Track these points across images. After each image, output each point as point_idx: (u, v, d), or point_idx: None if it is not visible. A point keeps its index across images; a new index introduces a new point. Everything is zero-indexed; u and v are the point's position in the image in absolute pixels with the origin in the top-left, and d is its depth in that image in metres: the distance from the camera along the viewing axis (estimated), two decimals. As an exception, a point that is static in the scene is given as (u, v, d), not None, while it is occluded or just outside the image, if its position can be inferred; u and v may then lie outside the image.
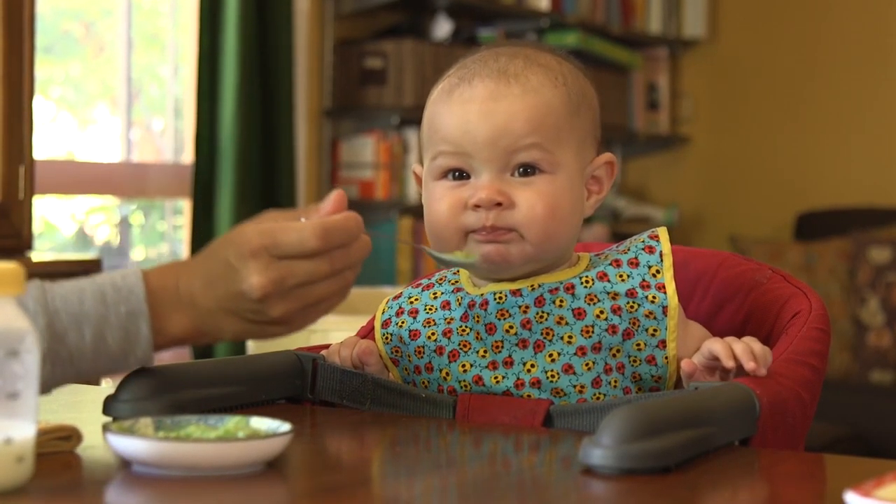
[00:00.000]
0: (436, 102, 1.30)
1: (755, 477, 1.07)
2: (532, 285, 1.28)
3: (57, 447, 1.04)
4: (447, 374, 1.28)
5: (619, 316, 1.25)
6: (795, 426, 1.21)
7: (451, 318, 1.30)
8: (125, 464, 1.00)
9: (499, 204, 1.25)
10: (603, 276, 1.27)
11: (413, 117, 3.99)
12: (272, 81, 3.67)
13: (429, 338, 1.30)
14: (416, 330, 1.31)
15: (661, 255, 1.28)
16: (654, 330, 1.24)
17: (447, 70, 1.33)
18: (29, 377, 0.92)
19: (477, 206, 1.25)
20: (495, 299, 1.28)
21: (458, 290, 1.32)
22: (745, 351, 1.18)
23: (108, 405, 1.17)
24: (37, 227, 3.11)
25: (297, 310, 1.12)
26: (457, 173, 1.28)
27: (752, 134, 5.01)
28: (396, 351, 1.32)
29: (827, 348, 1.30)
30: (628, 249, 1.29)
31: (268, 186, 3.66)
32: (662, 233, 1.30)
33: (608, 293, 1.26)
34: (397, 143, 4.00)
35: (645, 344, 1.24)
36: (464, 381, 1.27)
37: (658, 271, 1.27)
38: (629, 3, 4.85)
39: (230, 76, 3.54)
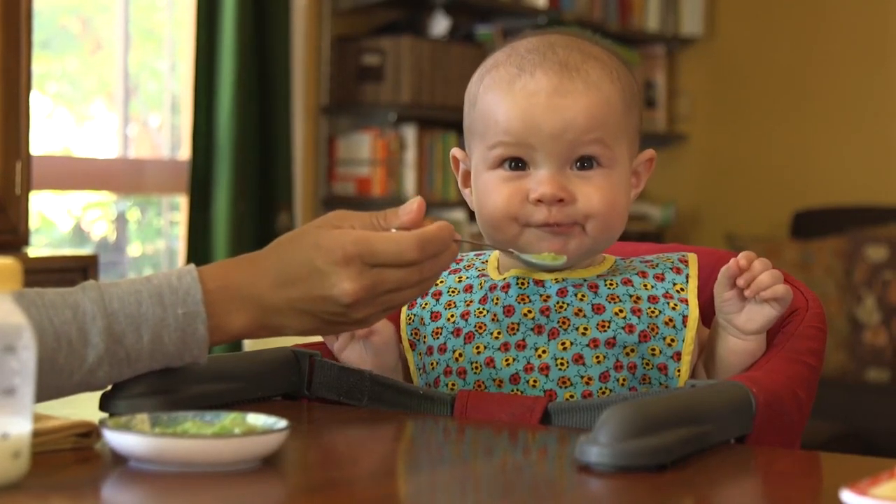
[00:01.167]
0: (492, 91, 1.30)
1: (751, 475, 1.08)
2: (556, 278, 1.29)
3: (77, 443, 1.04)
4: (460, 354, 1.29)
5: (639, 318, 1.26)
6: (792, 424, 1.22)
7: (471, 301, 1.31)
8: (122, 460, 1.00)
9: (560, 200, 1.26)
10: (627, 282, 1.29)
11: (410, 114, 3.99)
12: (269, 78, 3.66)
13: (448, 319, 1.31)
14: (438, 312, 1.33)
15: (687, 277, 1.30)
16: (672, 340, 1.25)
17: (493, 54, 1.33)
18: (25, 373, 0.92)
19: (539, 201, 1.26)
20: (518, 284, 1.30)
21: (483, 275, 1.34)
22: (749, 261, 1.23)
23: (105, 401, 1.17)
24: (33, 222, 3.11)
25: (377, 312, 1.16)
26: (514, 163, 1.28)
27: (750, 132, 5.01)
28: (415, 333, 1.33)
29: (823, 346, 1.30)
30: (656, 265, 1.31)
31: (265, 183, 3.66)
32: (692, 259, 1.33)
33: (630, 296, 1.28)
34: (394, 139, 4.00)
35: (660, 351, 1.25)
36: (476, 362, 1.28)
37: (682, 288, 1.29)
38: (627, 1, 4.85)
39: (227, 72, 3.53)
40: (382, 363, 1.33)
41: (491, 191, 1.29)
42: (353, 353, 1.32)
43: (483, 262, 1.36)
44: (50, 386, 1.10)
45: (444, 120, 4.14)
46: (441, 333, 1.31)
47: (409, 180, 4.02)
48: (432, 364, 1.31)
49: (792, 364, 1.24)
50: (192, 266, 1.16)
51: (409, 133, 4.03)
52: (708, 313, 1.32)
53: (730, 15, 5.08)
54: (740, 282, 1.24)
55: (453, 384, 1.29)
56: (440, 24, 4.13)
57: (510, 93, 1.28)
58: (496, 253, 1.36)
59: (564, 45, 1.30)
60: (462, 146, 1.37)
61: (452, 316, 1.31)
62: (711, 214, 5.07)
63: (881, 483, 0.86)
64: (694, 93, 5.15)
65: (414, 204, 1.17)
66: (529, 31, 1.35)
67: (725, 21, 5.10)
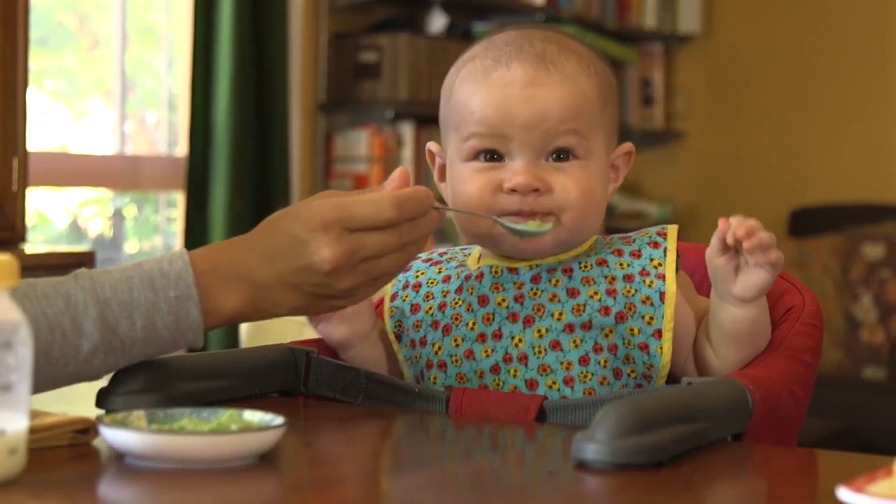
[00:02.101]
0: (468, 82, 1.29)
1: (748, 472, 1.08)
2: (530, 264, 1.28)
3: (75, 440, 1.04)
4: (439, 347, 1.28)
5: (614, 298, 1.25)
6: (788, 421, 1.22)
7: (447, 292, 1.31)
8: (118, 456, 1.00)
9: (535, 189, 1.25)
10: (602, 263, 1.27)
11: (408, 111, 3.99)
12: (266, 75, 3.66)
13: (427, 312, 1.31)
14: (417, 304, 1.32)
15: (664, 250, 1.28)
16: (651, 318, 1.24)
17: (470, 49, 1.33)
18: (22, 369, 0.92)
19: (513, 191, 1.25)
20: (491, 273, 1.29)
21: (462, 265, 1.33)
22: (741, 225, 1.20)
23: (102, 398, 1.17)
24: (30, 219, 3.11)
25: (362, 283, 1.14)
26: (489, 155, 1.27)
27: (747, 130, 5.01)
28: (399, 325, 1.33)
29: (820, 344, 1.30)
30: (633, 241, 1.30)
31: (261, 180, 3.66)
32: (671, 230, 1.31)
33: (605, 276, 1.26)
34: (392, 137, 4.00)
35: (639, 330, 1.24)
36: (455, 355, 1.27)
37: (660, 264, 1.27)
38: (624, -1, 4.85)
39: (224, 69, 3.53)
40: (356, 331, 1.31)
41: (464, 182, 1.28)
42: (327, 325, 1.30)
43: (465, 255, 1.35)
44: (46, 378, 1.10)
45: (441, 117, 4.14)
46: (421, 326, 1.31)
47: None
48: (416, 357, 1.31)
49: (789, 362, 1.24)
50: (183, 250, 1.15)
51: (407, 130, 4.02)
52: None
53: (727, 13, 5.08)
54: (739, 232, 1.20)
55: (435, 377, 1.28)
56: (438, 22, 4.13)
57: (485, 83, 1.27)
58: (478, 248, 1.35)
59: (542, 39, 1.30)
60: (439, 140, 1.36)
61: (430, 308, 1.30)
62: (709, 212, 5.07)
63: (878, 480, 0.86)
64: (691, 91, 5.15)
65: (397, 173, 1.16)
66: (511, 26, 1.35)
67: (723, 19, 5.10)
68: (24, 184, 2.79)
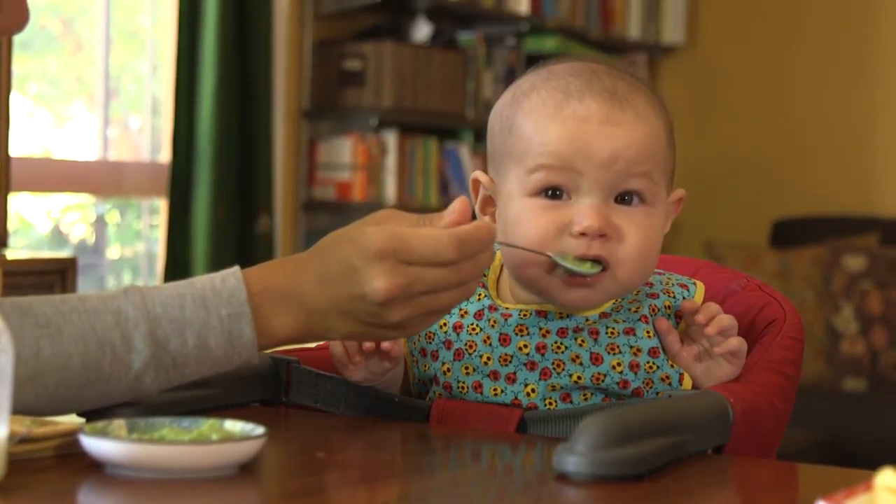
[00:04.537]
0: (536, 113, 1.23)
1: (728, 484, 1.08)
2: (560, 313, 1.24)
3: (73, 449, 1.03)
4: (448, 369, 1.25)
5: (636, 374, 1.22)
6: (769, 434, 1.22)
7: (465, 312, 1.26)
8: (99, 465, 0.99)
9: (603, 235, 1.20)
10: (630, 332, 1.24)
11: (392, 119, 3.99)
12: (251, 81, 3.66)
13: (440, 327, 1.27)
14: None
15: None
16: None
17: (522, 77, 1.27)
18: (2, 377, 0.92)
19: (582, 234, 1.19)
20: (520, 315, 1.25)
21: (483, 285, 1.29)
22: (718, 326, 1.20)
23: (82, 406, 1.17)
24: (12, 224, 3.10)
25: (416, 316, 1.11)
26: (553, 191, 1.21)
27: (730, 140, 5.03)
28: None
29: (801, 357, 1.30)
30: (658, 309, 1.26)
31: (245, 186, 3.65)
32: (699, 290, 1.28)
33: (631, 347, 1.23)
34: (375, 144, 4.00)
35: None
36: (463, 383, 1.25)
37: None
38: (609, 9, 4.86)
39: (209, 75, 3.53)
40: (373, 376, 1.27)
41: (527, 219, 1.21)
42: (353, 373, 1.26)
43: (484, 276, 1.29)
44: (100, 393, 1.09)
45: (425, 125, 4.14)
46: (433, 339, 1.28)
47: (390, 185, 4.02)
48: (425, 366, 1.28)
49: (769, 374, 1.25)
50: (236, 268, 1.13)
51: (391, 138, 4.02)
52: None
53: (711, 24, 5.10)
54: (699, 318, 1.20)
55: (439, 394, 1.27)
56: (422, 30, 4.13)
57: (558, 116, 1.21)
58: (496, 261, 1.31)
59: (608, 73, 1.25)
60: (485, 170, 1.30)
61: (445, 324, 1.27)
62: (691, 222, 5.08)
63: (857, 495, 0.86)
64: (675, 101, 5.16)
65: (457, 204, 1.12)
66: (559, 57, 1.29)
67: (707, 30, 5.11)
68: (5, 189, 2.78)
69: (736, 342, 1.22)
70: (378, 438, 1.21)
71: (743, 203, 4.97)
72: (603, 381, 1.22)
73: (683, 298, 1.27)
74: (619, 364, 1.22)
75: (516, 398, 1.23)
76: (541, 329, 1.24)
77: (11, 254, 2.81)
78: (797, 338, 1.30)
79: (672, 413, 1.08)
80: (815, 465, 1.13)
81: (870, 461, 1.24)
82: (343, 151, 3.98)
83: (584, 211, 1.20)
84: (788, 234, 4.64)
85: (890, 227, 4.47)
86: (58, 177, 3.50)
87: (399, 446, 1.21)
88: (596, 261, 1.20)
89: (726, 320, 1.22)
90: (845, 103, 4.82)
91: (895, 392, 4.18)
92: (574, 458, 0.99)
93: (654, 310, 1.25)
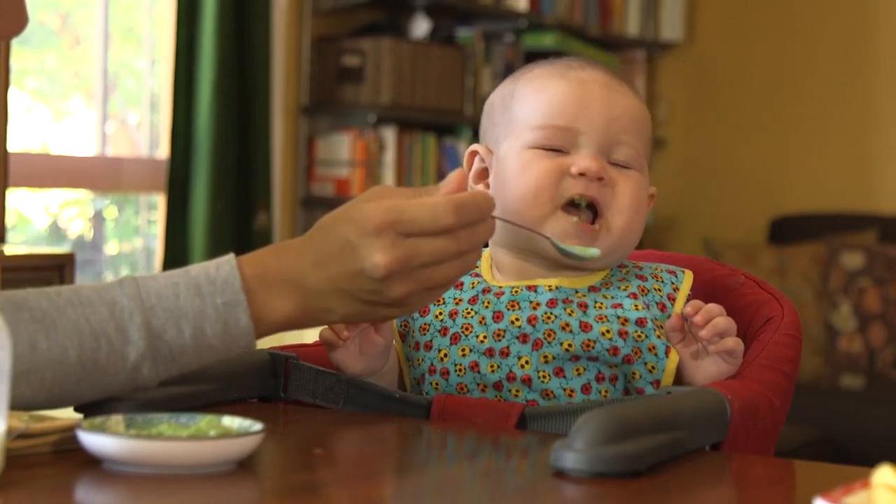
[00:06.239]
0: (540, 79, 1.31)
1: (725, 481, 1.08)
2: (550, 286, 1.28)
3: (70, 444, 1.02)
4: (445, 354, 1.28)
5: (625, 341, 1.24)
6: (766, 431, 1.22)
7: (460, 300, 1.30)
8: (97, 461, 0.99)
9: (601, 178, 1.26)
10: (618, 306, 1.27)
11: (390, 115, 3.99)
12: (249, 77, 3.66)
13: (436, 316, 1.30)
14: (427, 307, 1.30)
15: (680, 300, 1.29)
16: (652, 367, 1.25)
17: (515, 73, 1.35)
18: (0, 373, 0.91)
19: (581, 174, 1.26)
20: (511, 291, 1.28)
21: (476, 275, 1.32)
22: (714, 328, 1.21)
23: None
24: (10, 219, 3.10)
25: (416, 292, 1.09)
26: (552, 150, 1.28)
27: (728, 137, 5.03)
28: (405, 325, 1.32)
29: (799, 354, 1.31)
30: (648, 291, 1.29)
31: (243, 182, 3.65)
32: (686, 279, 1.31)
33: (619, 317, 1.26)
34: (374, 140, 4.00)
35: (640, 375, 1.25)
36: (460, 364, 1.27)
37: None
38: (607, 5, 4.86)
39: (207, 71, 3.53)
40: (370, 368, 1.28)
41: (528, 164, 1.28)
42: (345, 354, 1.26)
43: (477, 264, 1.32)
44: (97, 385, 1.09)
45: (423, 122, 4.14)
46: (428, 330, 1.30)
47: (388, 182, 4.02)
48: (418, 360, 1.30)
49: (767, 372, 1.25)
50: (231, 255, 1.12)
51: (389, 134, 4.02)
52: None
53: (709, 21, 5.10)
54: (697, 319, 1.22)
55: (437, 383, 1.28)
56: (420, 26, 4.13)
57: (563, 78, 1.30)
58: (487, 252, 1.34)
59: (596, 66, 1.33)
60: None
61: (441, 314, 1.30)
62: (689, 220, 5.08)
63: (855, 492, 0.86)
64: (673, 98, 5.16)
65: (453, 175, 1.12)
66: (557, 55, 1.39)
67: (705, 27, 5.11)
68: (3, 184, 2.78)
69: (732, 342, 1.23)
70: (376, 435, 1.22)
71: (741, 200, 4.97)
72: (593, 347, 1.24)
73: (672, 284, 1.30)
74: (608, 331, 1.24)
75: (511, 371, 1.25)
76: (531, 302, 1.27)
77: (9, 249, 2.81)
78: (795, 335, 1.31)
79: (670, 410, 1.08)
80: (812, 462, 1.13)
81: (867, 458, 1.24)
82: (341, 148, 3.98)
83: (583, 155, 1.27)
84: (786, 231, 4.64)
85: (888, 224, 4.48)
86: (56, 172, 3.50)
87: (397, 442, 1.21)
88: (590, 242, 1.25)
89: (723, 323, 1.22)
90: (843, 100, 4.82)
91: (893, 389, 4.19)
92: (572, 455, 0.99)
93: (643, 290, 1.28)
